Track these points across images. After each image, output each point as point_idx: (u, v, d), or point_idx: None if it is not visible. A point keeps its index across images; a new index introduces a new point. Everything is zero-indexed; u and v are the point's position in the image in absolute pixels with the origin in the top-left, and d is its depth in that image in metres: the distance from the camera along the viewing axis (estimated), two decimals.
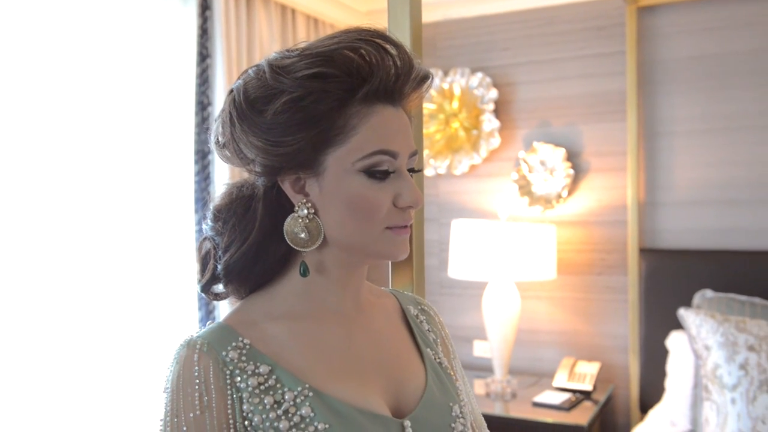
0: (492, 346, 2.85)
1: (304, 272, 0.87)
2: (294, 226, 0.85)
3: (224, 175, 2.58)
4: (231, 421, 0.79)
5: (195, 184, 2.55)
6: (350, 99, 0.81)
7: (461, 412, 0.93)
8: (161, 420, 0.80)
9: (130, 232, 2.34)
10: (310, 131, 0.80)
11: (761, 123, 2.67)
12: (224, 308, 2.59)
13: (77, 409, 2.15)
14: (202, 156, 2.57)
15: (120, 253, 2.31)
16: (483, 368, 3.14)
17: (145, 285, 2.41)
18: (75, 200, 2.16)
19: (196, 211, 2.55)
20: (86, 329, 2.20)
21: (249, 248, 0.88)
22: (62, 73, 2.10)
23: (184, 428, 0.78)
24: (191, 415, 0.78)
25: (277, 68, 0.81)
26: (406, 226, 0.86)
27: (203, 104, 2.57)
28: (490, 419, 2.58)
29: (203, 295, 0.93)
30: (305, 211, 0.85)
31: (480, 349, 3.17)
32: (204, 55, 2.57)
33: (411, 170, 0.89)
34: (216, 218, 0.91)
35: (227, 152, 0.87)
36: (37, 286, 2.05)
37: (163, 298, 2.47)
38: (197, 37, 2.54)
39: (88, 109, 2.19)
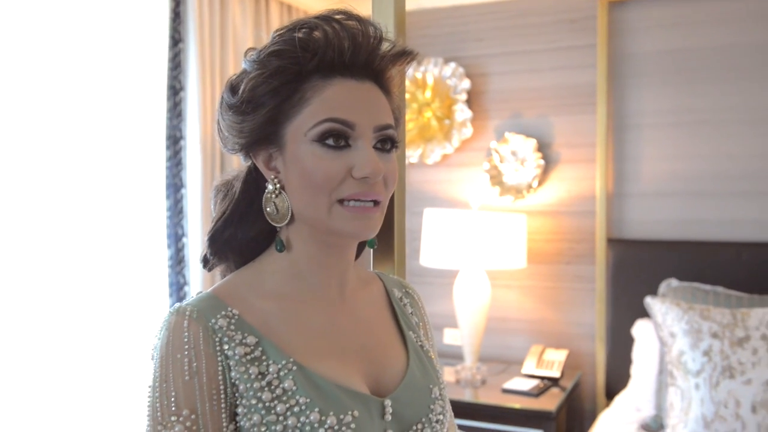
0: (462, 334, 2.89)
1: (280, 247, 0.90)
2: (266, 202, 0.89)
3: (196, 161, 2.56)
4: (221, 387, 0.80)
5: (166, 170, 2.53)
6: (305, 73, 0.85)
7: (440, 394, 0.95)
8: (149, 387, 0.81)
9: (101, 217, 2.31)
10: (267, 105, 0.84)
11: (727, 117, 2.73)
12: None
13: (50, 393, 2.13)
14: (174, 141, 2.54)
15: (91, 238, 2.28)
16: (453, 356, 3.18)
17: (116, 270, 2.38)
18: (44, 185, 2.12)
19: (167, 197, 2.53)
20: (56, 314, 2.17)
21: (227, 219, 0.92)
22: (29, 56, 2.06)
23: (173, 393, 0.78)
24: (180, 381, 0.79)
25: (251, 53, 0.87)
26: (372, 204, 0.85)
27: (175, 89, 2.54)
28: (460, 405, 2.63)
29: (204, 269, 0.96)
30: (271, 187, 0.88)
31: (450, 337, 3.21)
32: (176, 40, 2.54)
33: (386, 146, 0.88)
34: (214, 196, 0.97)
35: (218, 137, 0.92)
36: (7, 271, 2.02)
37: (133, 284, 2.45)
38: (170, 20, 2.51)
39: (57, 94, 2.15)
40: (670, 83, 2.81)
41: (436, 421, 0.92)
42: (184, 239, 2.58)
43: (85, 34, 2.23)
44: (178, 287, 2.55)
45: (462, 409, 2.62)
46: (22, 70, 2.03)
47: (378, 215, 0.87)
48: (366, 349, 0.92)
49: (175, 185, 2.55)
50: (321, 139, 0.83)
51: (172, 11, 2.51)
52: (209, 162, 2.60)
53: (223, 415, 0.79)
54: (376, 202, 0.85)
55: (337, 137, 0.83)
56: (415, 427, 0.89)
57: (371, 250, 1.13)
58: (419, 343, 1.00)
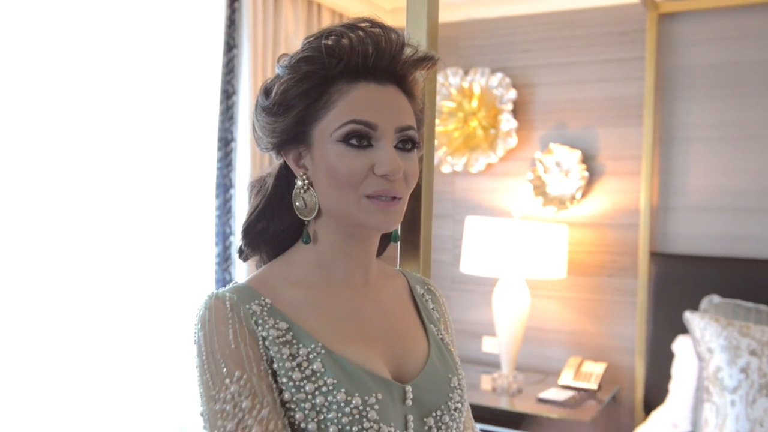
0: (500, 342, 2.90)
1: (306, 240, 0.96)
2: (295, 197, 0.95)
3: (245, 163, 2.66)
4: (264, 357, 0.86)
5: (217, 170, 2.63)
6: (332, 78, 0.90)
7: (459, 384, 1.00)
8: (197, 366, 0.86)
9: (153, 215, 2.42)
10: (297, 107, 0.91)
11: None
12: None
13: (100, 388, 2.24)
14: (225, 143, 2.65)
15: (143, 235, 2.39)
16: (491, 364, 3.19)
17: (166, 266, 2.49)
18: (101, 184, 2.24)
19: (217, 197, 2.63)
20: (109, 309, 2.28)
21: (260, 213, 0.99)
22: (93, 58, 2.19)
23: (221, 362, 0.84)
24: (227, 349, 0.85)
25: (284, 59, 0.93)
26: (391, 199, 0.90)
27: (228, 93, 2.65)
28: (495, 412, 2.65)
29: (241, 260, 1.04)
30: (300, 183, 0.94)
31: (488, 345, 3.22)
32: (231, 45, 2.65)
33: (407, 146, 0.93)
34: (249, 191, 1.04)
35: (254, 137, 0.99)
36: (63, 266, 2.14)
37: (182, 280, 2.55)
38: (225, 27, 2.62)
39: (117, 96, 2.27)
40: (718, 97, 2.78)
41: (455, 409, 0.97)
42: (232, 238, 2.67)
43: (147, 39, 2.35)
44: (224, 284, 2.65)
45: (497, 416, 2.63)
46: (88, 73, 2.16)
47: (399, 209, 0.92)
48: (388, 335, 0.97)
49: (225, 185, 2.65)
50: (345, 139, 0.89)
51: (227, 18, 2.63)
52: (258, 164, 2.70)
53: (270, 379, 0.85)
54: (397, 198, 0.91)
55: (360, 137, 0.89)
56: (434, 414, 0.94)
57: (398, 251, 1.18)
58: (440, 336, 1.05)
